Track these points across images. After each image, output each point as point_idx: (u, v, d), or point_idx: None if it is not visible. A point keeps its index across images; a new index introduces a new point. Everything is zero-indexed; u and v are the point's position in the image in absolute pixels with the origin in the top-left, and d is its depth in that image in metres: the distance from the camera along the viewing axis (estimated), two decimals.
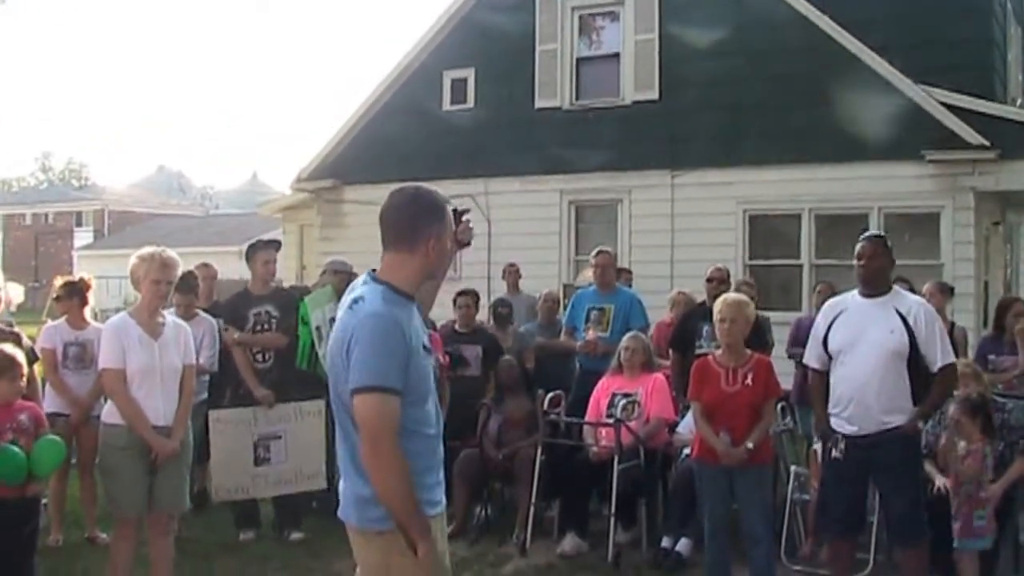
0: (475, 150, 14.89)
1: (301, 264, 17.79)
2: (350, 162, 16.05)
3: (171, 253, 5.30)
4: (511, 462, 7.20)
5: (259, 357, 7.20)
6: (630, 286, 9.85)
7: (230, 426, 6.91)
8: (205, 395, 7.32)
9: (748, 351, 5.79)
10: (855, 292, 5.46)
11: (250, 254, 7.27)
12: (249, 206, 46.18)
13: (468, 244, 3.24)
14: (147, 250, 5.29)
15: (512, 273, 11.20)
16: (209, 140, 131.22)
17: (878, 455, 5.17)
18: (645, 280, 11.74)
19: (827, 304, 5.66)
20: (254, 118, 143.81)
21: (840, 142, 12.58)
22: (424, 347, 3.01)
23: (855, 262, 5.37)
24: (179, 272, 5.39)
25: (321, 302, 7.35)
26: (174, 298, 6.92)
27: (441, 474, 3.08)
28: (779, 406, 6.60)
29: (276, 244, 7.61)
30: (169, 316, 5.49)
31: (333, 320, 7.59)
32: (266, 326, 7.20)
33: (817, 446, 6.16)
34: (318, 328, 7.29)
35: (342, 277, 7.70)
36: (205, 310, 7.61)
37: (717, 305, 5.84)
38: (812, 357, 5.57)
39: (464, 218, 3.20)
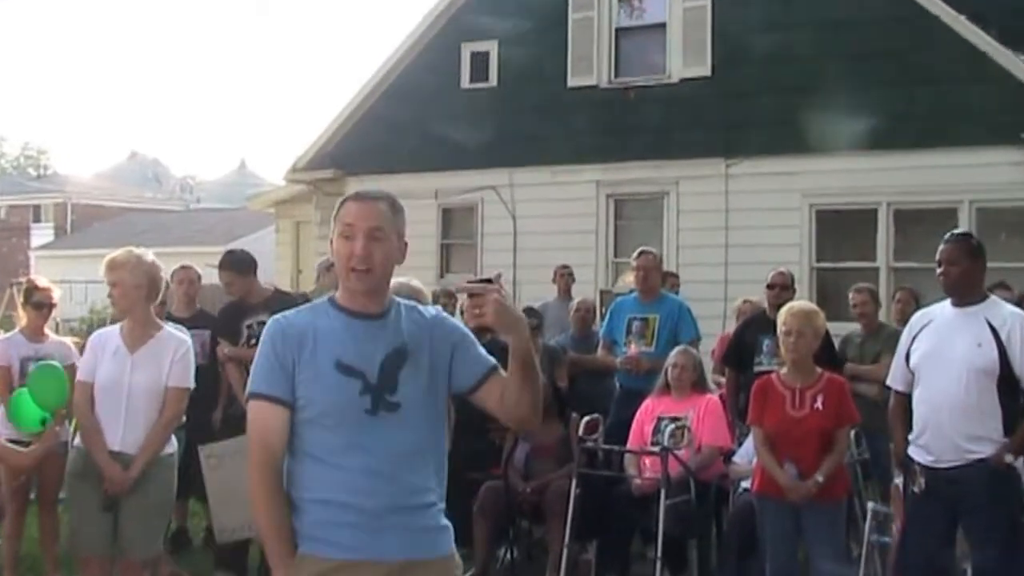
0: (498, 135, 14.95)
1: (297, 267, 17.89)
2: (353, 149, 16.16)
3: (136, 253, 5.36)
4: (541, 496, 7.22)
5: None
6: (677, 293, 9.85)
7: (225, 459, 6.89)
8: (183, 419, 7.35)
9: (818, 369, 5.79)
10: (947, 302, 5.41)
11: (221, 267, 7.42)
12: (236, 199, 46.43)
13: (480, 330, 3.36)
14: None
15: (564, 276, 11.33)
16: (190, 123, 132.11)
17: (964, 492, 5.13)
18: (695, 286, 11.74)
19: (916, 315, 5.66)
20: (242, 98, 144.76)
21: (924, 125, 12.56)
22: (342, 365, 3.11)
23: (937, 268, 5.35)
24: (151, 275, 5.40)
25: None
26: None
27: (357, 517, 3.08)
28: (852, 433, 6.59)
29: (225, 264, 7.46)
30: (169, 329, 5.56)
31: None
32: (259, 339, 7.25)
33: (899, 480, 6.15)
34: None
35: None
36: (186, 321, 7.67)
37: (781, 315, 5.85)
38: (895, 376, 5.56)
39: (468, 298, 3.21)
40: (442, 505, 3.24)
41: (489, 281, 3.17)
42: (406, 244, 3.24)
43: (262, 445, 3.12)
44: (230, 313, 7.46)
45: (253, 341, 7.26)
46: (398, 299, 3.29)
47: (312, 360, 3.13)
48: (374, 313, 3.20)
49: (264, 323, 7.60)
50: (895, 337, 6.38)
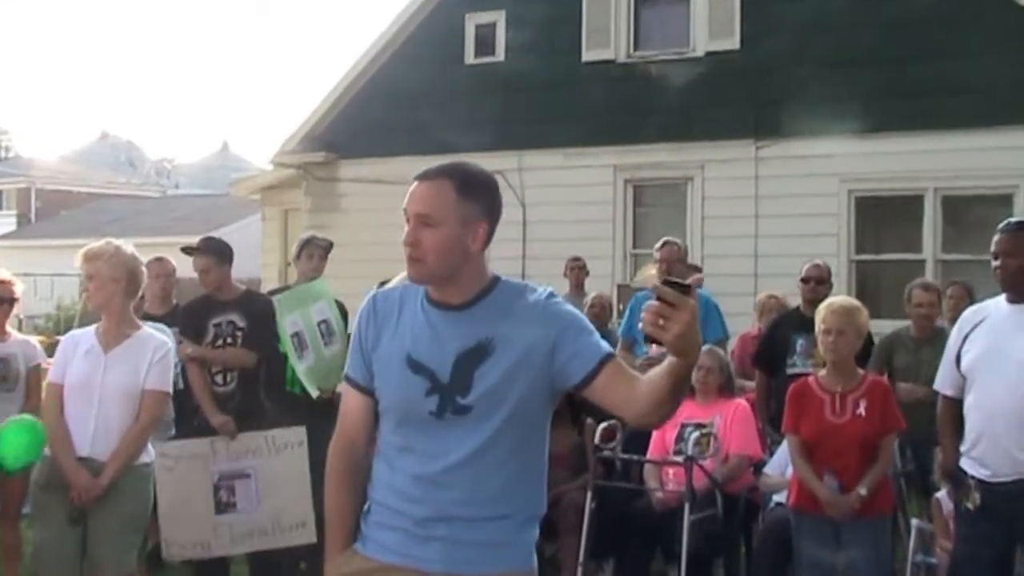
0: (505, 115, 14.96)
1: (285, 259, 17.88)
2: (347, 130, 16.19)
3: (115, 243, 5.40)
4: (554, 510, 7.20)
5: (219, 379, 7.30)
6: (701, 287, 9.84)
7: (181, 462, 6.89)
8: (173, 431, 7.39)
9: (860, 371, 5.79)
10: (1002, 297, 5.31)
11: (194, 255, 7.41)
12: (218, 185, 46.54)
13: None
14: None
15: (576, 269, 11.43)
16: (167, 101, 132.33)
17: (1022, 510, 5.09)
18: (722, 280, 11.74)
19: (966, 312, 5.59)
20: (224, 74, 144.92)
21: (976, 102, 12.51)
22: (412, 360, 3.15)
23: (992, 260, 5.27)
24: (130, 269, 5.42)
25: (300, 302, 7.41)
26: None
27: (406, 523, 3.18)
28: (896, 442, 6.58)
29: (202, 250, 7.45)
30: (149, 329, 5.59)
31: (325, 323, 7.81)
32: (229, 339, 7.29)
33: (941, 494, 6.14)
34: (296, 335, 7.34)
35: (322, 254, 7.80)
36: (162, 318, 7.68)
37: (820, 312, 5.85)
38: (944, 379, 5.51)
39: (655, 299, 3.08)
40: (526, 518, 3.24)
41: (687, 289, 2.82)
42: (484, 227, 3.16)
43: (339, 429, 3.35)
44: (196, 309, 7.44)
45: (220, 342, 7.28)
46: (506, 283, 3.25)
47: (388, 349, 3.22)
48: (455, 304, 3.19)
49: (233, 323, 7.61)
50: None
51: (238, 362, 7.26)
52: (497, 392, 3.10)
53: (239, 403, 7.21)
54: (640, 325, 2.86)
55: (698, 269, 11.16)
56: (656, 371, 3.02)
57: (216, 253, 7.39)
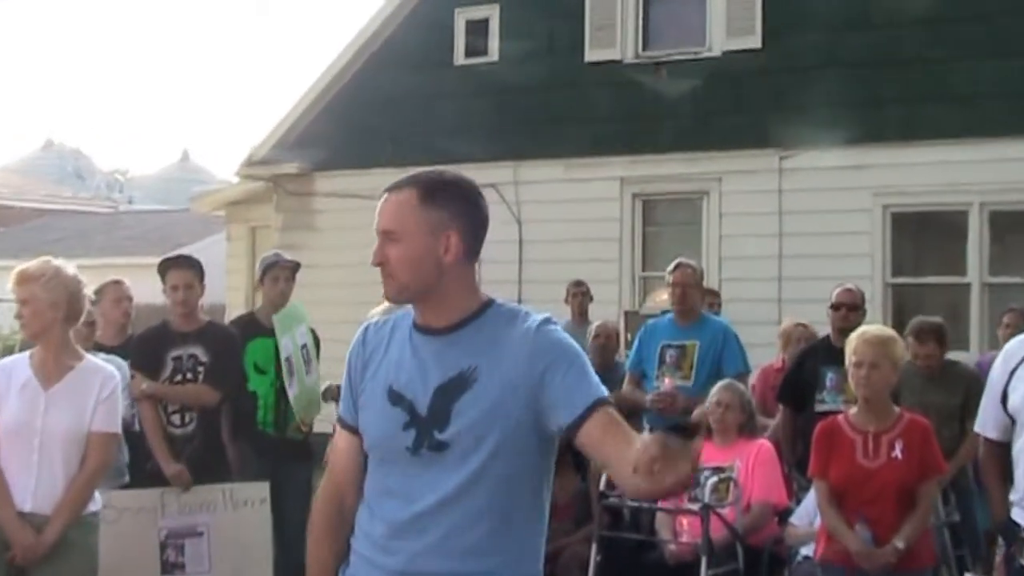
0: (500, 122, 15.02)
1: (253, 283, 17.92)
2: (322, 139, 16.21)
3: (55, 264, 5.36)
4: (554, 563, 7.22)
5: (176, 419, 7.28)
6: (720, 314, 9.87)
7: (126, 515, 6.87)
8: (127, 478, 7.39)
9: (896, 408, 5.80)
10: None
11: (161, 275, 7.41)
12: (178, 199, 46.39)
13: None
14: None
15: (579, 295, 11.44)
16: (119, 107, 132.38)
17: None
18: (742, 306, 11.79)
19: (1011, 344, 5.58)
20: (184, 77, 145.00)
21: None
22: (393, 391, 3.20)
23: None
24: (71, 293, 5.38)
25: (292, 323, 7.46)
26: None
27: (365, 570, 3.25)
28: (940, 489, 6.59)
29: (189, 262, 7.56)
30: (92, 359, 5.56)
31: (305, 348, 7.87)
32: (190, 375, 7.30)
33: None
34: (288, 360, 7.38)
35: (288, 275, 7.84)
36: (117, 349, 7.69)
37: (851, 343, 5.86)
38: (986, 421, 5.52)
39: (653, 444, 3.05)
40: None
41: (691, 434, 2.83)
42: (455, 236, 3.18)
43: (328, 474, 3.46)
44: (152, 339, 7.43)
45: (179, 377, 7.29)
46: (499, 308, 3.26)
47: (373, 382, 3.28)
48: (438, 328, 3.22)
49: (195, 356, 7.60)
50: None
51: (199, 400, 7.27)
52: (475, 429, 3.10)
53: (198, 447, 7.21)
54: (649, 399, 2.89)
55: (715, 294, 11.17)
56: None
57: (198, 267, 7.45)
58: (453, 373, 3.15)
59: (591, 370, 3.19)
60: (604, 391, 3.16)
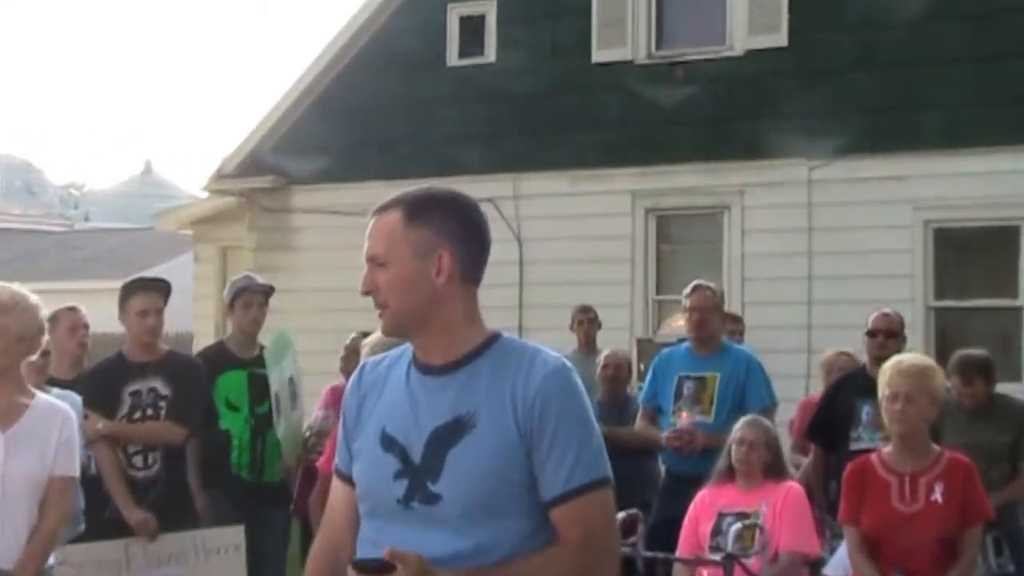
0: (498, 129, 15.04)
1: (223, 310, 17.93)
2: (301, 150, 16.20)
3: (22, 292, 5.33)
4: None
5: (138, 460, 7.25)
6: (742, 342, 9.85)
7: (87, 570, 6.84)
8: (83, 526, 7.35)
9: (935, 447, 5.77)
10: None
11: (124, 299, 7.35)
12: (140, 217, 46.43)
13: None
14: None
15: (586, 322, 11.38)
16: (75, 115, 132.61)
17: None
18: (768, 333, 11.77)
19: None
20: (147, 80, 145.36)
21: None
22: (386, 435, 3.20)
23: None
24: (39, 325, 5.37)
25: (282, 352, 7.45)
26: None
27: None
28: (990, 536, 6.56)
29: (159, 285, 7.57)
30: (42, 397, 5.53)
31: (292, 381, 7.86)
32: (151, 411, 7.27)
33: None
34: (277, 395, 7.37)
35: (261, 300, 7.81)
36: (72, 383, 7.66)
37: (884, 373, 5.84)
38: None
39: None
40: None
41: (389, 569, 2.98)
42: (446, 255, 3.16)
43: (323, 528, 3.50)
44: (107, 373, 7.41)
45: (138, 415, 7.25)
46: (506, 343, 3.24)
47: (366, 426, 3.29)
48: (438, 365, 3.21)
49: (155, 390, 7.60)
50: None
51: (162, 438, 7.24)
52: (473, 482, 3.08)
53: (164, 491, 7.18)
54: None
55: (737, 320, 11.16)
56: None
57: (168, 292, 7.43)
58: (449, 418, 3.13)
59: (593, 438, 3.18)
60: (595, 475, 3.15)
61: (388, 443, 3.18)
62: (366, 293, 3.21)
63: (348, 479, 3.33)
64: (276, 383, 7.57)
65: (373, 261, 3.19)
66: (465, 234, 3.21)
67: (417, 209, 3.19)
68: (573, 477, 3.09)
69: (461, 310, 3.21)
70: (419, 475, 3.11)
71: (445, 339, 3.19)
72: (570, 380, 3.18)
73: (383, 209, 3.23)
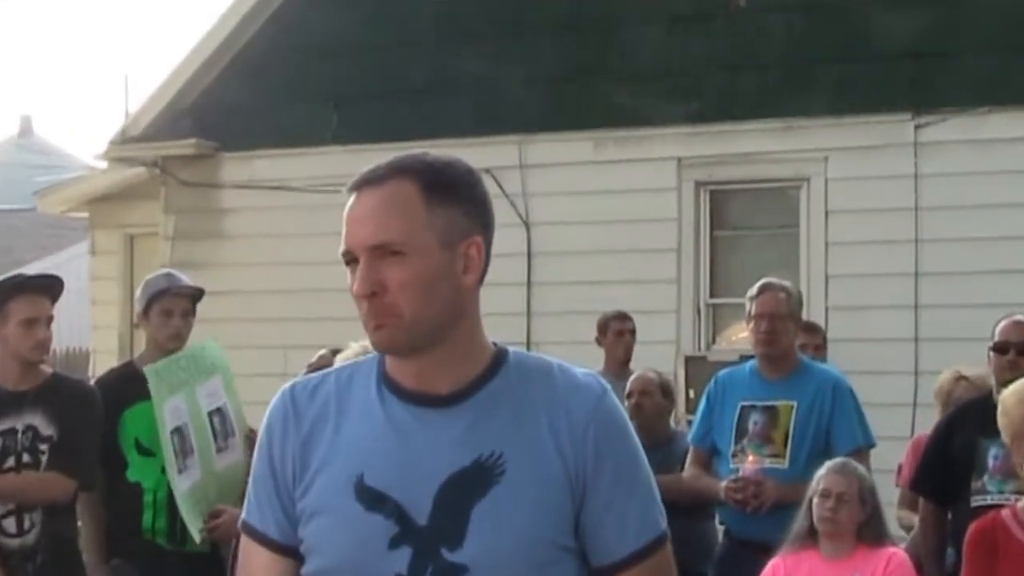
0: (495, 79, 15.06)
1: (131, 318, 17.94)
2: (232, 104, 16.27)
3: None
4: None
5: (10, 525, 7.27)
6: (825, 361, 9.86)
7: None
8: None
9: None
10: None
11: (3, 301, 7.34)
12: (17, 194, 46.50)
13: None
14: None
15: (624, 334, 11.41)
16: None
17: None
18: (862, 348, 11.80)
19: None
20: (24, 13, 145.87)
21: None
22: (365, 488, 3.12)
23: None
24: None
25: (186, 375, 7.45)
26: None
27: None
28: None
29: (49, 285, 7.61)
30: None
31: (220, 413, 7.85)
32: (27, 457, 7.30)
33: None
34: (177, 431, 7.35)
35: (186, 307, 7.80)
36: None
37: (1004, 401, 5.85)
38: None
39: None
40: None
41: None
42: (478, 244, 3.15)
43: None
44: None
45: (10, 462, 7.25)
46: (516, 359, 3.23)
47: (322, 472, 3.17)
48: (440, 395, 3.17)
49: (34, 429, 7.70)
50: None
51: (43, 495, 7.27)
52: (516, 547, 3.07)
53: (45, 565, 7.19)
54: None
55: (819, 331, 11.15)
56: None
57: (57, 290, 7.45)
58: (467, 462, 3.10)
59: (652, 476, 3.24)
60: (657, 529, 3.21)
61: (372, 499, 3.12)
62: (367, 295, 3.08)
63: (277, 546, 3.24)
64: (176, 417, 7.47)
65: (380, 251, 3.06)
66: (488, 217, 3.20)
67: (439, 181, 3.12)
68: (642, 534, 3.13)
69: (474, 321, 3.19)
70: (429, 541, 3.08)
71: (454, 358, 3.15)
72: (619, 406, 3.22)
73: (378, 179, 3.12)
